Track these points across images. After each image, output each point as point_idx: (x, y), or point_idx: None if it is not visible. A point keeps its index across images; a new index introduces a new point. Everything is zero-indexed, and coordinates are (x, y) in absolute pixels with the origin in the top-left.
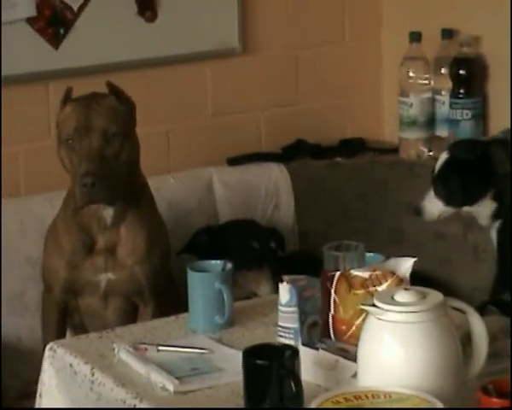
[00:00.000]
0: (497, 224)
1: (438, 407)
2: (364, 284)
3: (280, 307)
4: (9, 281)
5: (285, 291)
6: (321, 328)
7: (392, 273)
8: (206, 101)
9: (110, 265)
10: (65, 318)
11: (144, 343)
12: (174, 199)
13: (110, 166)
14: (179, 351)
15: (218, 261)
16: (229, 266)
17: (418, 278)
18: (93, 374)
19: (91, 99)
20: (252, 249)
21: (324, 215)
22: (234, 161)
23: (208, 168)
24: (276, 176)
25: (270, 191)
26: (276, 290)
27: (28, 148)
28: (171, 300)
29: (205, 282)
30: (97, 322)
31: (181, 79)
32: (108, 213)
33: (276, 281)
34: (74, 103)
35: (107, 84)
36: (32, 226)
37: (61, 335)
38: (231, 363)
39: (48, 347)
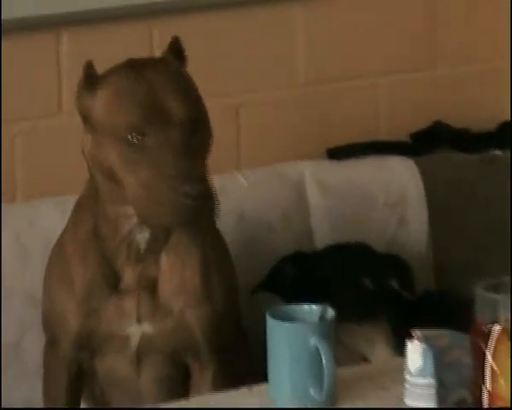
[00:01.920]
0: None
1: None
2: None
3: (408, 378)
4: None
5: (416, 353)
6: None
7: None
8: (294, 61)
9: (146, 310)
10: (78, 384)
11: None
12: (246, 210)
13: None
14: None
15: (314, 306)
16: (331, 313)
17: None
18: None
19: (150, 69)
20: (363, 289)
21: (474, 236)
22: (337, 153)
23: (298, 163)
24: (402, 176)
25: (392, 199)
26: (401, 352)
27: (29, 128)
28: (241, 361)
29: (294, 336)
30: (126, 393)
31: (257, 27)
32: (144, 235)
33: (401, 338)
34: (125, 79)
35: (172, 43)
36: (33, 246)
37: (71, 408)
38: None
39: None
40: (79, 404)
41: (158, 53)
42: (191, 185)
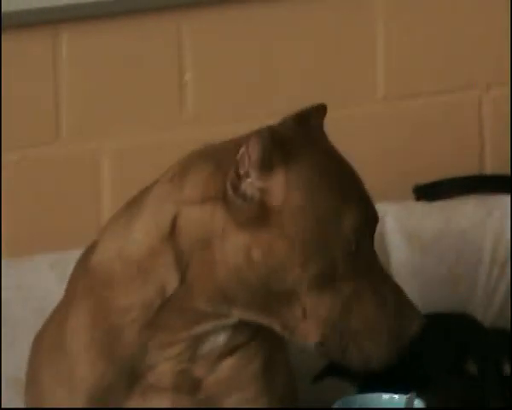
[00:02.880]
0: None
1: None
2: None
3: None
4: None
5: None
6: None
7: None
8: (373, 73)
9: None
10: None
11: None
12: None
13: None
14: None
15: (396, 396)
16: (421, 406)
17: None
18: None
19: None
20: (465, 375)
21: None
22: (427, 192)
23: (378, 204)
24: None
25: (503, 255)
26: None
27: (20, 157)
28: None
29: None
30: None
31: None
32: (218, 338)
33: None
34: (324, 159)
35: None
36: (20, 315)
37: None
38: None
39: None
40: None
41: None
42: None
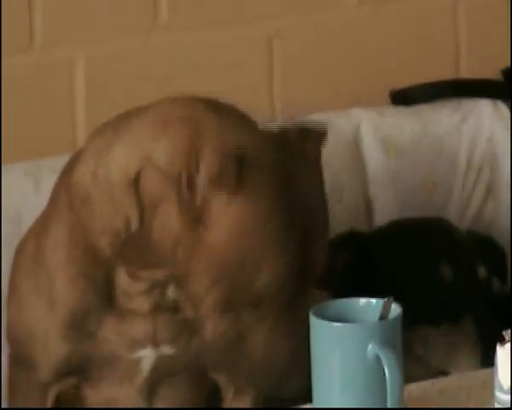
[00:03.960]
0: None
1: None
2: None
3: (498, 395)
4: None
5: (509, 363)
6: None
7: None
8: None
9: (166, 332)
10: None
11: None
12: None
13: None
14: None
15: (373, 300)
16: (397, 310)
17: None
18: None
19: None
20: (441, 280)
21: None
22: (404, 97)
23: (351, 112)
24: (492, 127)
25: (479, 159)
26: (488, 363)
27: None
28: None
29: (347, 341)
30: None
31: None
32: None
33: (490, 343)
34: None
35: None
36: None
37: (77, 407)
38: None
39: None
40: None
41: None
42: None
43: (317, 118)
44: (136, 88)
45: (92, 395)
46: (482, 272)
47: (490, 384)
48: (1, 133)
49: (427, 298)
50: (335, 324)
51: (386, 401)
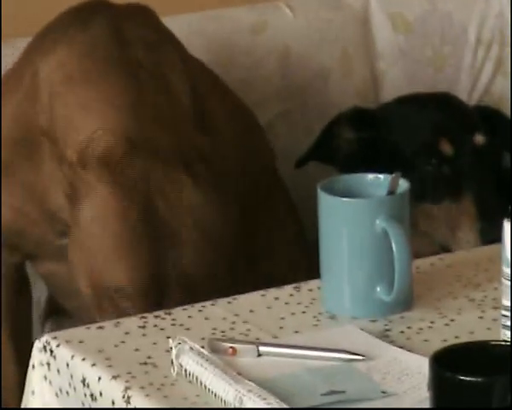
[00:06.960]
0: None
1: None
2: None
3: (504, 270)
4: None
5: None
6: None
7: None
8: None
9: None
10: (19, 289)
11: (231, 341)
12: (291, 50)
13: None
14: (302, 356)
15: (381, 176)
16: (404, 186)
17: None
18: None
19: None
20: (443, 157)
21: None
22: None
23: None
24: (500, 1)
25: (488, 35)
26: (492, 238)
27: None
28: (276, 253)
29: (354, 216)
30: (76, 297)
31: None
32: None
33: (493, 219)
34: None
35: None
36: None
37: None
38: (408, 381)
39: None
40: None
41: None
42: None
43: None
44: None
45: (39, 270)
46: (479, 139)
47: (497, 260)
48: None
49: (433, 173)
50: (344, 199)
51: (393, 275)
